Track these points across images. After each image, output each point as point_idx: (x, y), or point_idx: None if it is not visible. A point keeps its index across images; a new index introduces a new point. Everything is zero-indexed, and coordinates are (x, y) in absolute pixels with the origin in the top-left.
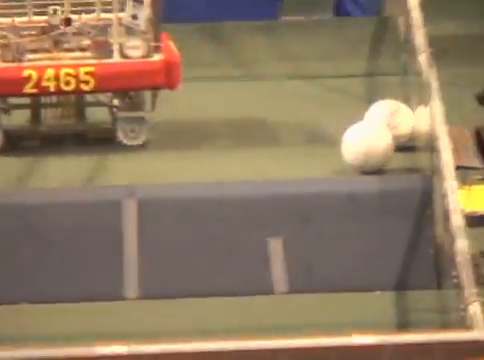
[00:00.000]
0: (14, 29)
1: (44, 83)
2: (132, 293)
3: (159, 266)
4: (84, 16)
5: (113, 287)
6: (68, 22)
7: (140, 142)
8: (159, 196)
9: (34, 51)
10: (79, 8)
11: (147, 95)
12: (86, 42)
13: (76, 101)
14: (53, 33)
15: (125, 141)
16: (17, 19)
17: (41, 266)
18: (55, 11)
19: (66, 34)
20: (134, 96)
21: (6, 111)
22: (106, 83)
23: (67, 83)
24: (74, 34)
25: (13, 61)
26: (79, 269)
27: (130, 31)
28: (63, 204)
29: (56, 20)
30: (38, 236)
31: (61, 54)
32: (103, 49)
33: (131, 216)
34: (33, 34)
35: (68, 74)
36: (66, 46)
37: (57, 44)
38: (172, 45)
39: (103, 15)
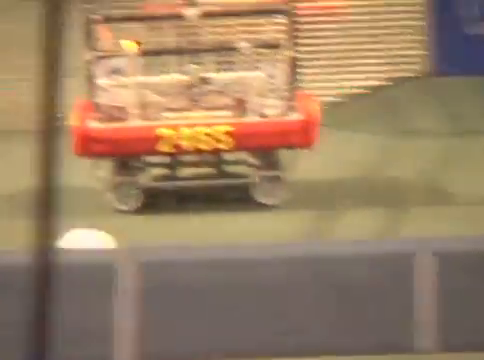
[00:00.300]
0: (153, 87)
1: (179, 142)
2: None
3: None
4: (221, 75)
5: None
6: (206, 81)
7: (277, 201)
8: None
9: (172, 110)
10: (218, 66)
11: (285, 153)
12: (223, 101)
13: (213, 159)
14: (190, 91)
15: (262, 200)
16: (154, 78)
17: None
18: (194, 70)
19: (203, 93)
20: (271, 155)
21: (142, 169)
22: (243, 142)
23: (203, 142)
24: (211, 93)
25: (150, 119)
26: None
27: (267, 90)
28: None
29: (194, 79)
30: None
31: (198, 113)
32: (240, 108)
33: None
34: (171, 93)
35: (204, 133)
36: (204, 105)
37: (195, 102)
38: (311, 104)
39: (240, 74)
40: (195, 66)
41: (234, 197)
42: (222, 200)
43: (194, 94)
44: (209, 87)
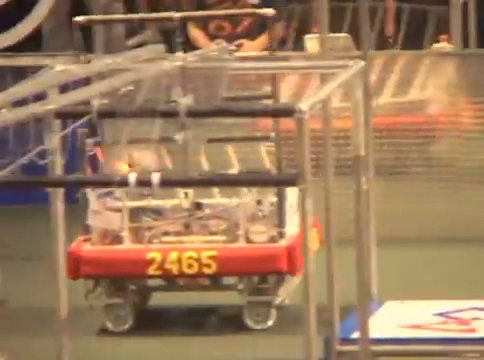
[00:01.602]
0: (147, 211)
1: (167, 265)
2: None
3: None
4: (215, 200)
5: None
6: (199, 207)
7: (265, 326)
8: None
9: (167, 233)
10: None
11: (273, 279)
12: (214, 226)
13: (201, 284)
14: (180, 216)
15: (251, 325)
16: (147, 202)
17: None
18: (186, 195)
19: (195, 218)
20: (260, 280)
21: (134, 291)
22: (227, 267)
23: (189, 266)
24: (205, 217)
25: (142, 243)
26: None
27: (255, 216)
28: None
29: (187, 204)
30: None
31: (189, 237)
32: (230, 233)
33: None
34: (165, 217)
35: (190, 257)
36: (195, 229)
37: (187, 227)
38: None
39: (230, 200)
40: (187, 191)
41: (223, 320)
42: (211, 322)
43: (188, 219)
44: (203, 212)
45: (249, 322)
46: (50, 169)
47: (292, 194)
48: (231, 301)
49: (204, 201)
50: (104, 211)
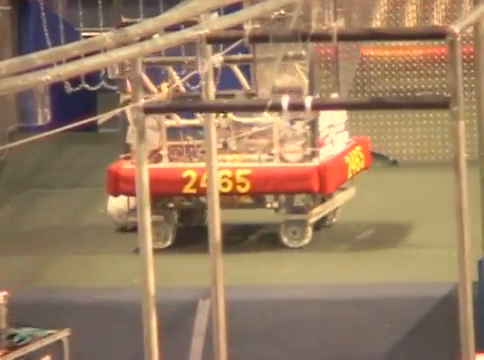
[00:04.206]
0: (188, 131)
1: (202, 184)
2: None
3: None
4: (251, 120)
5: None
6: (237, 126)
7: (302, 244)
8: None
9: (204, 152)
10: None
11: (309, 198)
12: (251, 145)
13: (240, 202)
14: (222, 135)
15: (289, 243)
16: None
17: None
18: (225, 115)
19: (234, 136)
20: (295, 199)
21: (172, 209)
22: (260, 186)
23: (224, 184)
24: (242, 137)
25: (181, 161)
26: None
27: (289, 136)
28: None
29: (225, 123)
30: None
31: (227, 156)
32: (265, 152)
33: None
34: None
35: (225, 176)
36: (233, 148)
37: (225, 146)
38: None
39: (264, 120)
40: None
41: (261, 238)
42: (249, 240)
43: (225, 138)
44: (240, 131)
45: (285, 240)
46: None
47: (338, 115)
48: (269, 220)
49: (242, 120)
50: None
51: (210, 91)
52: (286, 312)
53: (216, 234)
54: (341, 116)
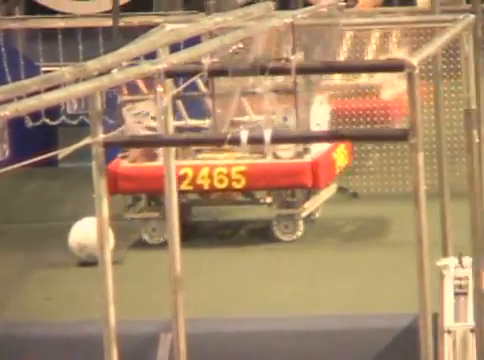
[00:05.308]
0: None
1: (199, 181)
2: None
3: None
4: (244, 118)
5: None
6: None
7: (294, 237)
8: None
9: (199, 151)
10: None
11: (300, 193)
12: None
13: (233, 198)
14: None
15: (282, 237)
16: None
17: None
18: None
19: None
20: (288, 194)
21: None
22: (255, 182)
23: (220, 181)
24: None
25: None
26: None
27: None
28: None
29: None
30: None
31: (221, 154)
32: (258, 149)
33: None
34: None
35: (221, 173)
36: (227, 146)
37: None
38: (336, 147)
39: (258, 117)
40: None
41: (254, 232)
42: (243, 235)
43: None
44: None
45: (278, 234)
46: (162, 128)
47: (320, 112)
48: (261, 215)
49: (235, 119)
50: (140, 129)
51: (169, 125)
52: (249, 344)
53: (177, 266)
54: (325, 115)
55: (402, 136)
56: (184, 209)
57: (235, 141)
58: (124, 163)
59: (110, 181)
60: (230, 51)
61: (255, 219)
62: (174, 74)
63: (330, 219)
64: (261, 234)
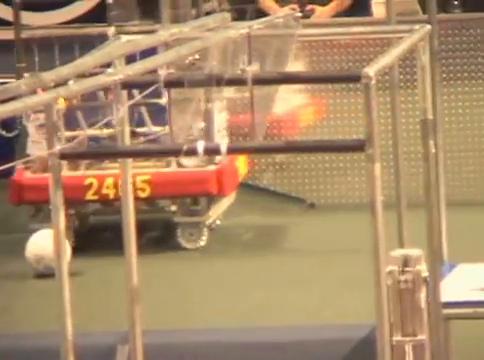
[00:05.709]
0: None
1: (104, 190)
2: None
3: None
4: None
5: None
6: (134, 135)
7: (198, 245)
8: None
9: (102, 161)
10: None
11: (204, 201)
12: None
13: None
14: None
15: (186, 244)
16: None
17: None
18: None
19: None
20: (191, 202)
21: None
22: (160, 190)
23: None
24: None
25: (81, 170)
26: None
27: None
28: None
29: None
30: None
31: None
32: (163, 159)
33: None
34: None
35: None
36: None
37: None
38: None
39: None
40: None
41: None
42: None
43: None
44: (138, 140)
45: (183, 241)
46: (119, 139)
47: (220, 120)
48: (166, 223)
49: (138, 130)
50: (43, 140)
51: (125, 136)
52: (205, 355)
53: (134, 279)
54: (222, 123)
55: (359, 147)
56: (83, 219)
57: (191, 152)
58: (28, 173)
59: (14, 191)
60: (186, 62)
61: (158, 227)
62: (131, 85)
63: (231, 227)
64: (164, 242)
